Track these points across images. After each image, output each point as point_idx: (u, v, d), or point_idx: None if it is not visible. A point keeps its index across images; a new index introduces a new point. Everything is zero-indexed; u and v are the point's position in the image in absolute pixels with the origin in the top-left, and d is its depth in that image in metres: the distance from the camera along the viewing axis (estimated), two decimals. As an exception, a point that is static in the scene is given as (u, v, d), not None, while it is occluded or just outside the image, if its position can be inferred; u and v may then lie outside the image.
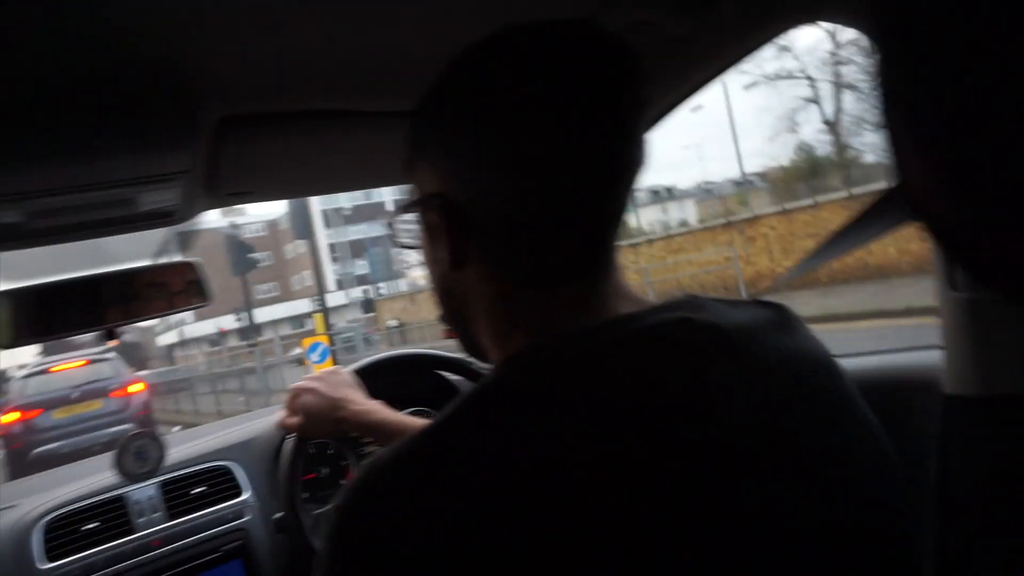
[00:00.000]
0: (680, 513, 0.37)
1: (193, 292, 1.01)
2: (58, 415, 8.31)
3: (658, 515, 0.36)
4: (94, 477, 1.21)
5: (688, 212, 39.33)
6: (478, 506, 0.36)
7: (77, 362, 8.86)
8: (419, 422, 0.93)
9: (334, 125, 0.87)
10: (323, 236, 37.99)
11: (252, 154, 0.89)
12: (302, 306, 37.69)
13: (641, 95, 0.47)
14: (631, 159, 0.48)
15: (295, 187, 1.21)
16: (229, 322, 31.28)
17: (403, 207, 0.55)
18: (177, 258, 1.07)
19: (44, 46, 0.56)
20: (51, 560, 1.06)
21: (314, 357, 9.01)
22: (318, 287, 12.70)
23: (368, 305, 30.90)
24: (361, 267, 37.91)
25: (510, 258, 0.48)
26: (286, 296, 42.82)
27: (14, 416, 8.19)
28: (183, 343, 38.57)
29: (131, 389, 8.88)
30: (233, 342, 35.52)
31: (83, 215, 0.86)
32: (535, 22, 0.47)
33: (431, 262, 0.53)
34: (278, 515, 1.06)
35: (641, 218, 32.01)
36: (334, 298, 32.33)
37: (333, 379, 1.01)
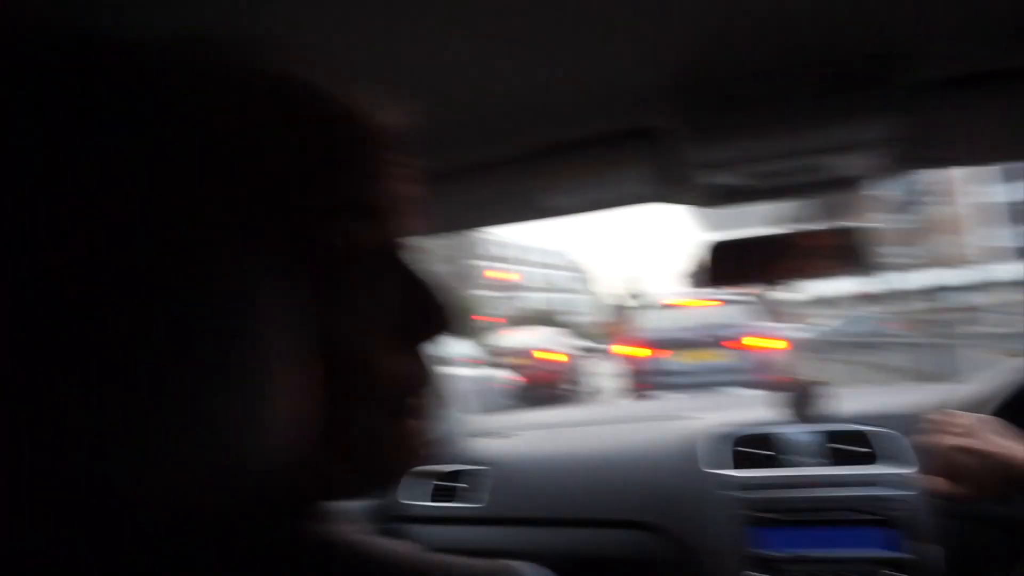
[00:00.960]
0: None
1: (860, 258, 1.05)
2: (684, 358, 7.29)
3: None
4: (755, 410, 1.37)
5: None
6: None
7: (708, 301, 7.63)
8: None
9: None
10: (999, 191, 30.53)
11: (960, 119, 0.86)
12: (946, 277, 31.70)
13: None
14: None
15: (994, 154, 1.12)
16: (867, 284, 28.25)
17: None
18: (850, 223, 1.10)
19: (767, 34, 0.67)
20: (724, 468, 1.22)
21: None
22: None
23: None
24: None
25: None
26: (934, 262, 36.95)
27: (643, 352, 7.37)
28: (815, 301, 37.01)
29: (765, 344, 7.26)
30: (871, 307, 32.37)
31: (787, 179, 0.95)
32: None
33: None
34: (946, 502, 0.99)
35: None
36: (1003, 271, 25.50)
37: (988, 431, 0.90)
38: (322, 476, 0.33)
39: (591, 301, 53.16)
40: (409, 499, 1.45)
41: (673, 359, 7.19)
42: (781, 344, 7.13)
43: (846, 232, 1.06)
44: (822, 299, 35.45)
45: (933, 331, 13.49)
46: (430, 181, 0.96)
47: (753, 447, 1.24)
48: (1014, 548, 0.99)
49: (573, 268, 58.06)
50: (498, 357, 10.60)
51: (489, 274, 23.42)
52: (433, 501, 1.43)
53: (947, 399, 1.22)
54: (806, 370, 7.57)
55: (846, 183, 0.98)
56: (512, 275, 45.80)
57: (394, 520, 1.43)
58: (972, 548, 1.00)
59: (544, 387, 10.13)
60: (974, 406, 1.10)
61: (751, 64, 0.73)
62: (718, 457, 1.24)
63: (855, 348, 12.83)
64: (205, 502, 0.25)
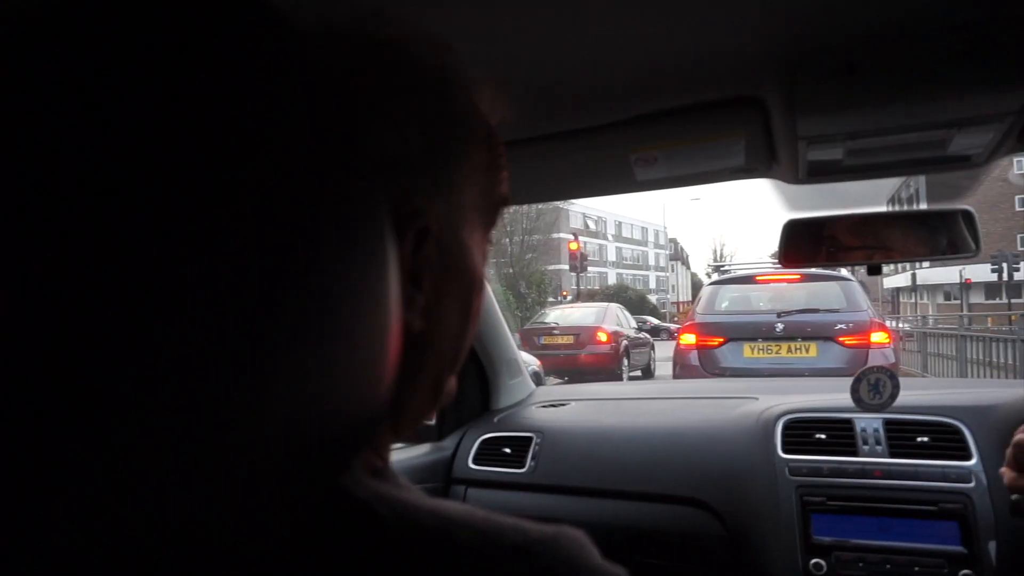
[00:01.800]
0: None
1: (960, 241, 1.03)
2: (752, 353, 5.47)
3: None
4: (822, 395, 1.37)
5: None
6: None
7: (792, 274, 5.72)
8: None
9: None
10: None
11: None
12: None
13: None
14: None
15: None
16: (981, 272, 26.31)
17: None
18: (946, 205, 1.08)
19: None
20: (786, 452, 1.22)
21: None
22: None
23: None
24: None
25: None
26: None
27: (689, 340, 5.74)
28: (914, 288, 34.65)
29: (874, 338, 5.24)
30: (976, 298, 30.35)
31: (891, 155, 0.92)
32: None
33: None
34: (1017, 499, 0.96)
35: None
36: None
37: None
38: (391, 424, 0.37)
39: (679, 280, 52.03)
40: (463, 462, 1.48)
41: (732, 350, 5.53)
42: (883, 337, 5.24)
43: (946, 214, 1.04)
44: (922, 286, 33.19)
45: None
46: (529, 147, 0.97)
47: (815, 432, 1.24)
48: None
49: (665, 246, 57.07)
50: (556, 330, 10.54)
51: (574, 246, 23.22)
52: (484, 465, 1.46)
53: None
54: (900, 361, 5.96)
55: (961, 160, 0.93)
56: (597, 248, 45.48)
57: (446, 481, 1.47)
58: None
59: (597, 361, 9.97)
60: None
61: (870, 31, 0.69)
62: (779, 440, 1.25)
63: (952, 340, 11.88)
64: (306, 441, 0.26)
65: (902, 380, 1.26)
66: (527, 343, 10.33)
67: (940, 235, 1.05)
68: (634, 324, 12.05)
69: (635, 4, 0.63)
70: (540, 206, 26.72)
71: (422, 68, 0.37)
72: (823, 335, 5.29)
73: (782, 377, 4.45)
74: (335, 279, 0.26)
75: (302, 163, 0.26)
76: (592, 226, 45.36)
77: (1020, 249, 32.12)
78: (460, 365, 0.42)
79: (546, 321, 11.39)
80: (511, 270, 26.50)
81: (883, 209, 1.24)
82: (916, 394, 1.30)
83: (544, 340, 10.44)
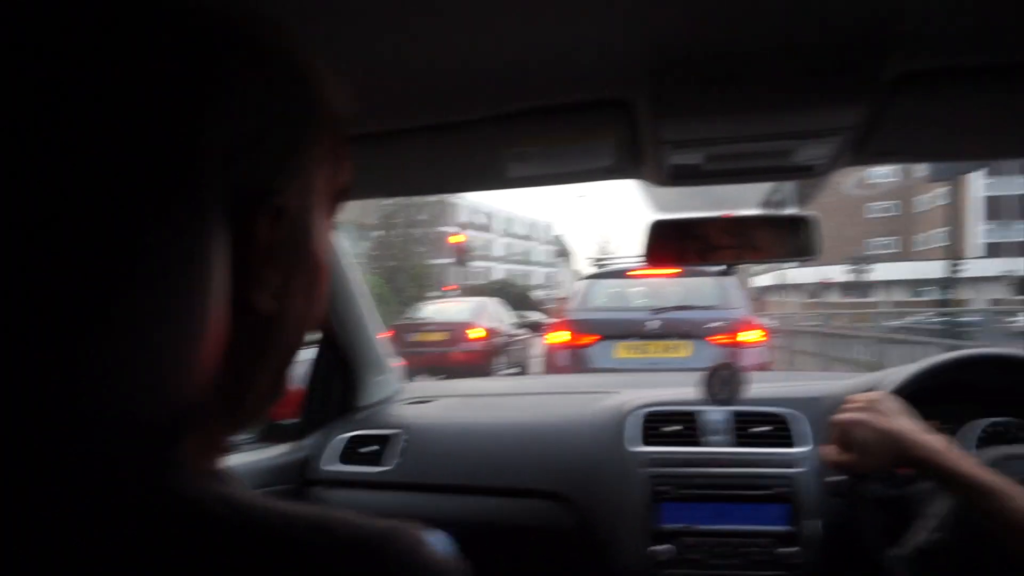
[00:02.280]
0: None
1: (802, 245, 1.10)
2: (624, 352, 5.06)
3: None
4: (677, 389, 1.43)
5: None
6: None
7: (671, 270, 4.91)
8: (1001, 481, 0.85)
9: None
10: (978, 186, 30.16)
11: (920, 113, 0.90)
12: (926, 269, 31.84)
13: None
14: None
15: (959, 150, 1.32)
16: (837, 273, 28.23)
17: None
18: (793, 210, 1.16)
19: (749, 16, 0.68)
20: (639, 444, 1.27)
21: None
22: (954, 249, 10.84)
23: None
24: None
25: None
26: (905, 254, 37.52)
27: (560, 339, 5.30)
28: (781, 287, 36.81)
29: (748, 337, 4.96)
30: (834, 297, 32.48)
31: (745, 162, 1.00)
32: None
33: None
34: (836, 479, 1.07)
35: None
36: (978, 267, 25.17)
37: (884, 407, 0.97)
38: (214, 421, 0.35)
39: (561, 275, 52.77)
40: (322, 462, 1.44)
41: (602, 349, 5.11)
42: (757, 335, 5.02)
43: (794, 219, 1.11)
44: (787, 285, 35.33)
45: (881, 324, 13.23)
46: (402, 140, 0.98)
47: (667, 424, 1.30)
48: (895, 526, 1.04)
49: (549, 241, 57.80)
50: (428, 326, 9.99)
51: (455, 239, 22.66)
52: (346, 464, 1.43)
53: (865, 384, 1.26)
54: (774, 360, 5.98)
55: (805, 170, 1.02)
56: (485, 242, 45.33)
57: (302, 482, 1.42)
58: (856, 524, 1.06)
59: (470, 359, 9.51)
60: (895, 388, 1.13)
61: (730, 45, 0.74)
62: (632, 433, 1.29)
63: (808, 337, 12.38)
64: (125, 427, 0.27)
65: (754, 374, 1.36)
66: (397, 340, 9.67)
67: (788, 238, 1.12)
68: (513, 320, 11.65)
69: (505, 3, 0.65)
70: (425, 199, 26.01)
71: (268, 52, 0.36)
72: (697, 334, 4.99)
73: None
74: (136, 259, 0.26)
75: (119, 149, 0.26)
76: (481, 220, 45.16)
77: (873, 252, 34.93)
78: (296, 356, 0.41)
79: (419, 317, 10.81)
80: (393, 263, 25.67)
81: (741, 213, 1.19)
82: (762, 387, 1.39)
83: (415, 337, 9.84)
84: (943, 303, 14.16)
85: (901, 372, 1.18)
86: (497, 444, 1.36)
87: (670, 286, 5.44)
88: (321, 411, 1.57)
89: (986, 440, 1.13)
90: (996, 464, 0.94)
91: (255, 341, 0.35)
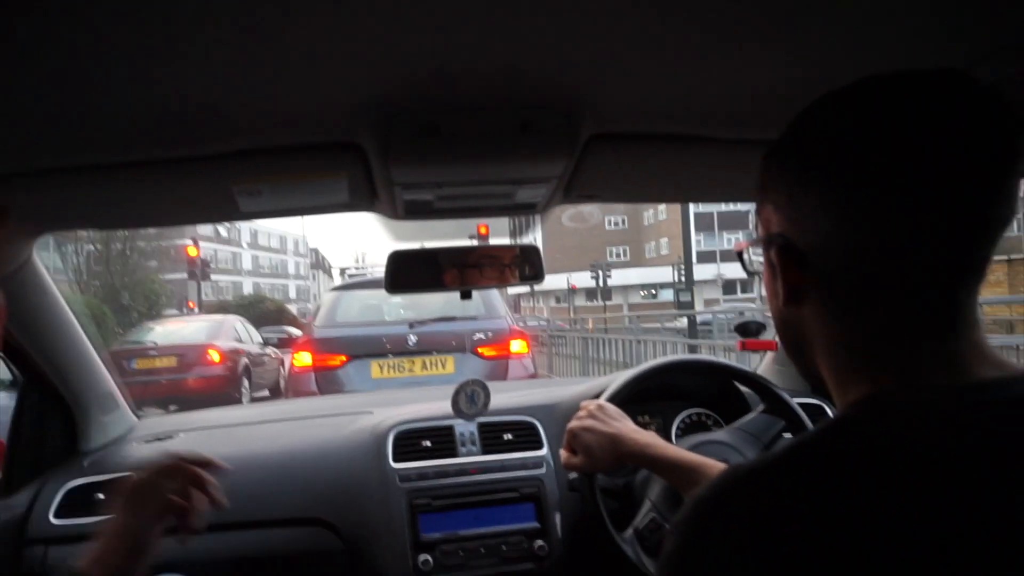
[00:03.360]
0: None
1: (529, 271, 1.22)
2: (381, 372, 4.62)
3: None
4: (429, 404, 1.50)
5: None
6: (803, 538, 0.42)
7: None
8: (697, 459, 1.01)
9: (688, 148, 1.01)
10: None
11: (610, 166, 1.05)
12: (657, 275, 35.80)
13: (1015, 149, 0.47)
14: (998, 215, 0.48)
15: (643, 195, 1.57)
16: (582, 279, 30.59)
17: (751, 240, 0.61)
18: (526, 239, 1.41)
19: (467, 77, 0.75)
20: (396, 461, 1.33)
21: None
22: (685, 256, 11.67)
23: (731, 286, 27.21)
24: (731, 241, 34.09)
25: (857, 310, 0.50)
26: (636, 262, 42.07)
27: (304, 361, 4.69)
28: (532, 294, 39.05)
29: (513, 348, 4.74)
30: (580, 301, 34.96)
31: (473, 201, 1.10)
32: (901, 71, 0.49)
33: (771, 293, 0.57)
34: (573, 477, 1.17)
35: None
36: (699, 271, 28.89)
37: (605, 414, 1.10)
38: None
39: (320, 288, 50.60)
40: (40, 518, 1.29)
41: (355, 370, 4.60)
42: (522, 347, 4.80)
43: (519, 248, 1.22)
44: (538, 292, 37.58)
45: (617, 326, 14.36)
46: (128, 172, 0.96)
47: (424, 439, 1.37)
48: (624, 512, 1.18)
49: (306, 254, 55.30)
50: (153, 351, 8.54)
51: (192, 252, 20.21)
52: (73, 517, 1.28)
53: (596, 388, 1.37)
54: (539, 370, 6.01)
55: (530, 207, 1.15)
56: (231, 255, 41.72)
57: (17, 544, 1.27)
58: (591, 514, 1.15)
59: (209, 385, 8.28)
60: (608, 395, 1.24)
61: (451, 101, 0.82)
62: (391, 451, 1.35)
63: (573, 340, 12.96)
64: None
65: (501, 384, 1.63)
66: (116, 368, 8.06)
67: (516, 266, 1.21)
68: (259, 339, 10.45)
69: (237, 46, 0.65)
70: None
71: None
72: (461, 348, 4.65)
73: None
74: None
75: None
76: (224, 233, 41.59)
77: (609, 260, 38.49)
78: None
79: (143, 340, 9.26)
80: (111, 280, 22.28)
81: (473, 243, 1.39)
82: (507, 396, 1.51)
83: (138, 364, 8.35)
84: (678, 304, 15.75)
85: (618, 378, 1.30)
86: (250, 476, 1.32)
87: (429, 296, 4.48)
88: (35, 460, 1.42)
89: (685, 430, 1.40)
90: (695, 448, 1.11)
91: None
